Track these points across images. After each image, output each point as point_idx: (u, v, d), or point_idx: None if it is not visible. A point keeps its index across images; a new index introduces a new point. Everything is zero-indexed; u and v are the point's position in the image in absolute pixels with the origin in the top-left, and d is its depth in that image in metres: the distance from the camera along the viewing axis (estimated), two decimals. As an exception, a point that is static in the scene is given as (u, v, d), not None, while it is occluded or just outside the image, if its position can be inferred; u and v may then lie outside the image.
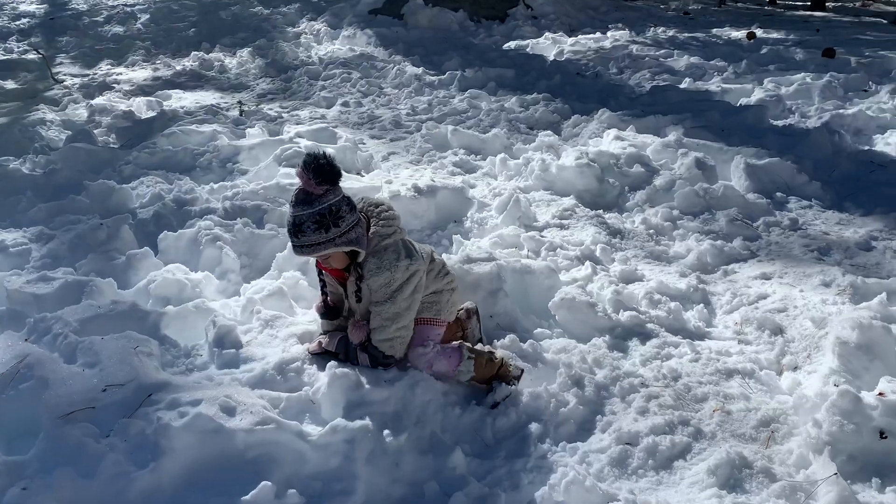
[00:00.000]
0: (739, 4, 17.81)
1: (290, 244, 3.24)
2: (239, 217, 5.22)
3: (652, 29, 14.31)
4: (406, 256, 3.23)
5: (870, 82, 9.45)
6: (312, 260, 3.77)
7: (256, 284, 4.42)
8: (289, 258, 4.64)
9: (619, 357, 3.77)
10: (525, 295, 4.30)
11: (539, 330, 4.03)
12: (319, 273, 3.51)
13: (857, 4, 17.89)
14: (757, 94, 8.67)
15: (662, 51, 11.92)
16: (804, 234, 5.12)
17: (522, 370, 3.50)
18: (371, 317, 3.31)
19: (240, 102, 9.64)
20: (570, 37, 13.42)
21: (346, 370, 3.25)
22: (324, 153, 3.01)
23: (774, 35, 13.53)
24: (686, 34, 13.66)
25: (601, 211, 5.55)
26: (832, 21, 15.27)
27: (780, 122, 7.71)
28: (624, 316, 4.03)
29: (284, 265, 4.62)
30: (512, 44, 13.12)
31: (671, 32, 13.93)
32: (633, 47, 12.25)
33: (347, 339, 3.39)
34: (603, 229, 5.20)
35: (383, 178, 6.11)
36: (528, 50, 12.57)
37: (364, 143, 7.70)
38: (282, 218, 5.43)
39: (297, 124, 8.11)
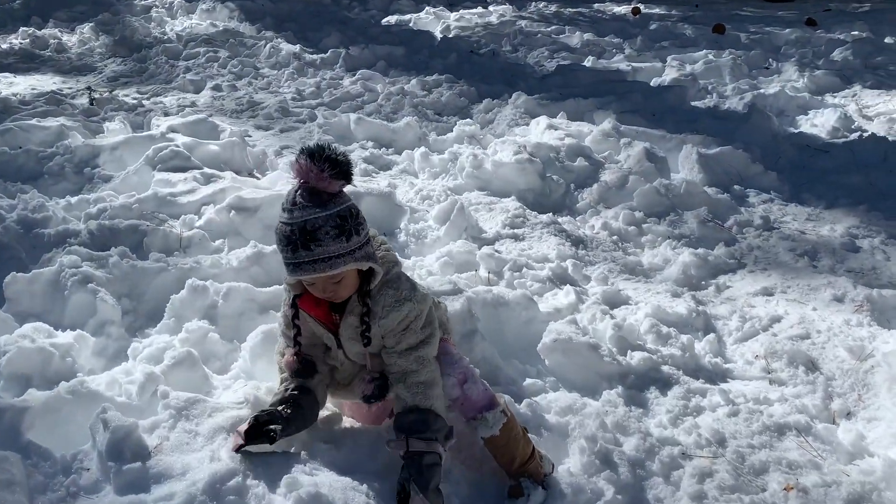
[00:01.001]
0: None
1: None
2: (112, 245, 4.03)
3: (533, 3, 13.72)
4: (416, 289, 2.57)
5: (769, 59, 9.25)
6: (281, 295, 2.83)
7: (150, 341, 3.33)
8: (189, 301, 3.55)
9: (641, 415, 3.02)
10: (500, 333, 3.46)
11: (529, 381, 3.21)
12: (293, 316, 2.58)
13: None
14: (669, 74, 8.22)
15: (553, 27, 11.33)
16: (781, 234, 4.58)
17: (553, 465, 2.66)
18: (400, 374, 2.51)
19: (89, 88, 8.15)
20: (451, 11, 12.59)
21: (313, 488, 2.29)
22: (327, 144, 2.31)
23: (657, 10, 13.30)
24: (570, 9, 13.17)
25: (551, 214, 4.78)
26: (702, 1, 15.32)
27: (701, 104, 7.26)
28: (634, 358, 3.28)
29: (183, 311, 3.53)
30: (392, 18, 12.14)
31: (553, 7, 13.39)
32: (522, 23, 11.60)
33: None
34: (563, 238, 4.44)
35: (288, 181, 5.04)
36: (411, 25, 11.64)
37: (251, 136, 6.55)
38: (167, 242, 4.30)
39: (166, 115, 6.82)
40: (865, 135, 6.19)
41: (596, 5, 13.88)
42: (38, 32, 10.91)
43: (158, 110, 7.24)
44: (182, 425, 2.62)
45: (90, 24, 11.35)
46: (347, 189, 2.37)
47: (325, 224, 2.22)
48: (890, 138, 6.04)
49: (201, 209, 4.73)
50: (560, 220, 4.72)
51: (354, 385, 2.68)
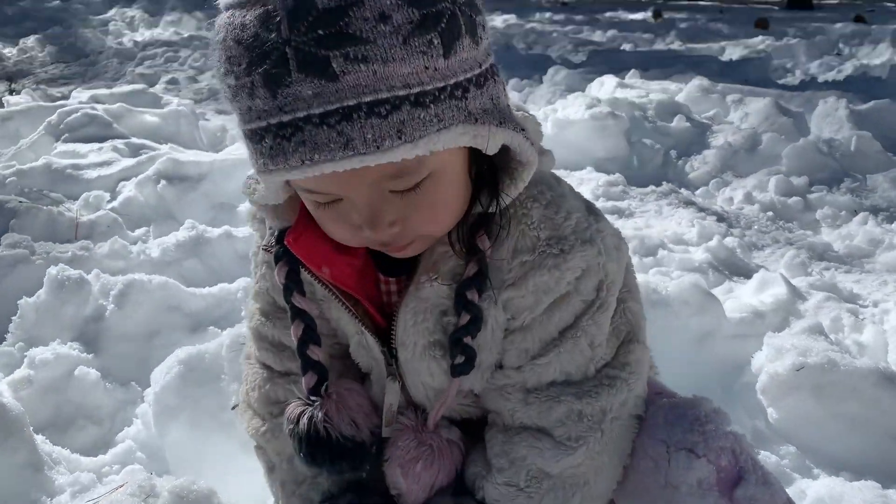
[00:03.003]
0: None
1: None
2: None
3: (537, 14, 12.34)
4: (599, 217, 0.98)
5: (839, 44, 7.79)
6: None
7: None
8: (50, 307, 1.82)
9: None
10: (660, 358, 1.75)
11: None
12: (288, 283, 0.97)
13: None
14: (735, 52, 6.67)
15: (569, 27, 9.90)
16: None
17: None
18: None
19: (9, 80, 6.48)
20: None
21: None
22: None
23: (678, 15, 11.94)
24: (581, 16, 11.77)
25: (655, 185, 3.10)
26: (724, 7, 14.06)
27: (787, 80, 5.70)
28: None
29: (39, 326, 1.80)
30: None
31: (560, 16, 12.01)
32: (532, 25, 10.18)
33: None
34: (696, 212, 2.76)
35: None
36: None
37: (208, 119, 4.87)
38: (54, 229, 2.59)
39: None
40: None
41: (608, 13, 12.51)
42: (-29, 44, 9.37)
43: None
44: None
45: (36, 36, 9.84)
46: None
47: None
48: None
49: (118, 186, 3.02)
50: (681, 191, 3.04)
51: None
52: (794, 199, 2.95)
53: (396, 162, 0.77)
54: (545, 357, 0.96)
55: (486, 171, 0.90)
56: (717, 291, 2.12)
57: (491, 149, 0.85)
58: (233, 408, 1.47)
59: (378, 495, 1.04)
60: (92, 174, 3.10)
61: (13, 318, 1.87)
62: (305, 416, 0.97)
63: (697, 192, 3.17)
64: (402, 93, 0.75)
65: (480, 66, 0.83)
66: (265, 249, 1.01)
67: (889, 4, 13.41)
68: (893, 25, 9.21)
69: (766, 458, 1.55)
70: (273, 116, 0.76)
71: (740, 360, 1.80)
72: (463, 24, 0.79)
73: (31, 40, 9.83)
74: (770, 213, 2.89)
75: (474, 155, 0.88)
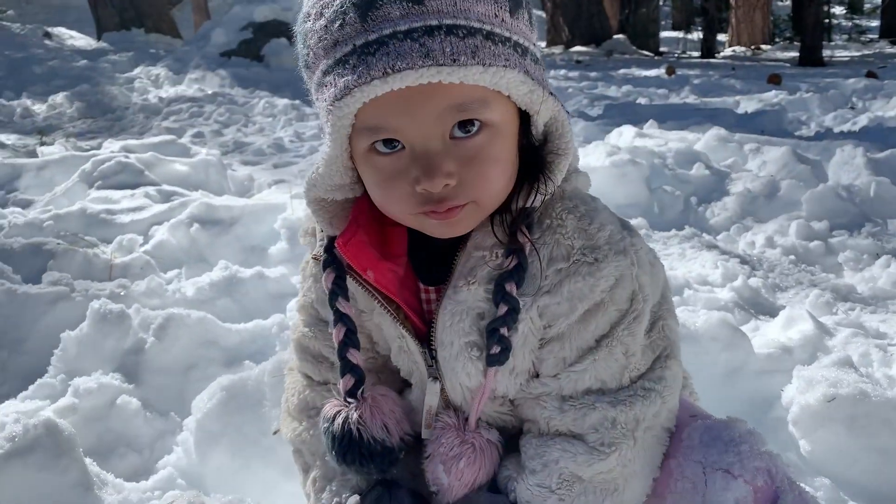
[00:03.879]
0: (626, 56, 16.72)
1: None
2: (-8, 263, 2.40)
3: (552, 72, 12.58)
4: (633, 233, 1.05)
5: (853, 98, 7.88)
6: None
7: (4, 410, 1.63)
8: (92, 340, 1.87)
9: None
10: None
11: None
12: (335, 285, 1.06)
13: (748, 53, 17.31)
14: (750, 105, 6.77)
15: (585, 83, 10.09)
16: None
17: None
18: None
19: (40, 133, 6.66)
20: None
21: None
22: None
23: (692, 72, 12.13)
24: (595, 73, 11.98)
25: (677, 230, 3.14)
26: (736, 64, 14.28)
27: (802, 132, 5.77)
28: None
29: (80, 358, 1.85)
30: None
31: (575, 73, 12.23)
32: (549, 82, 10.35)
33: None
34: (718, 254, 2.79)
35: (287, 192, 3.43)
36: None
37: (235, 170, 4.99)
38: (89, 270, 2.66)
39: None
40: None
41: (622, 71, 12.74)
42: (4, 102, 9.63)
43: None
44: None
45: (64, 93, 10.14)
46: None
47: None
48: None
49: (150, 230, 3.10)
50: (703, 235, 3.08)
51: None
52: (816, 242, 2.98)
53: (466, 89, 0.86)
54: (581, 364, 1.00)
55: (532, 149, 0.97)
56: (744, 329, 2.15)
57: (542, 115, 0.94)
58: (274, 433, 1.50)
59: (407, 491, 1.07)
60: (125, 219, 3.18)
61: (55, 351, 1.92)
62: (340, 417, 1.03)
63: (719, 236, 3.21)
64: (476, 24, 0.85)
65: (534, 46, 0.95)
66: (314, 258, 1.09)
67: (900, 61, 13.57)
68: (905, 81, 9.33)
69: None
70: (360, 37, 0.85)
71: (770, 394, 1.81)
72: (524, 3, 0.93)
73: (59, 97, 10.13)
74: (792, 257, 2.92)
75: (523, 130, 0.96)
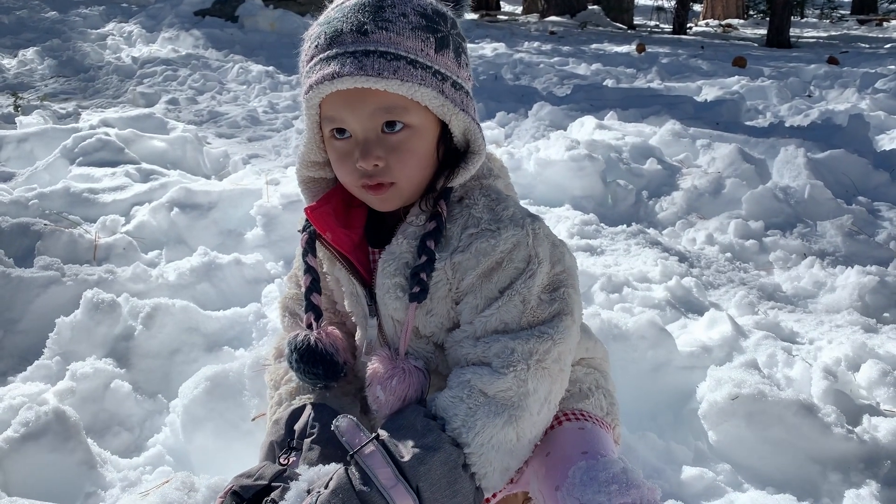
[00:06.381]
0: (600, 28, 16.83)
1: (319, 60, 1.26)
2: (-21, 245, 2.57)
3: (525, 43, 12.70)
4: (537, 220, 1.35)
5: (811, 85, 8.16)
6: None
7: (4, 393, 1.83)
8: (85, 326, 2.07)
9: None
10: (618, 386, 2.02)
11: (688, 473, 1.78)
12: (306, 249, 1.44)
13: (719, 31, 17.50)
14: (709, 94, 7.02)
15: (556, 58, 10.24)
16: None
17: None
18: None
19: (14, 95, 6.69)
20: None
21: None
22: None
23: (661, 50, 12.33)
24: (568, 47, 12.13)
25: (627, 226, 3.39)
26: (705, 42, 14.48)
27: (763, 120, 6.04)
28: (879, 430, 1.86)
29: (74, 343, 2.05)
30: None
31: (548, 46, 12.35)
32: (520, 55, 10.50)
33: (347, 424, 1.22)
34: (660, 252, 3.05)
35: (262, 176, 3.61)
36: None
37: (210, 143, 5.13)
38: (75, 251, 2.84)
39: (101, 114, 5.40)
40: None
41: (593, 45, 12.89)
42: (-29, 55, 9.55)
43: (96, 116, 5.79)
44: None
45: (35, 48, 10.03)
46: None
47: (404, 6, 1.24)
48: None
49: (132, 210, 3.28)
50: (649, 231, 3.33)
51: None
52: (751, 241, 3.25)
53: (390, 97, 1.19)
54: (489, 310, 1.27)
55: (450, 152, 1.30)
56: (672, 327, 2.41)
57: (455, 125, 1.26)
58: (253, 419, 1.73)
59: (332, 410, 1.35)
60: (107, 198, 3.35)
61: (50, 334, 2.12)
62: (302, 334, 1.37)
63: (665, 231, 3.47)
64: (402, 53, 1.20)
65: (458, 78, 1.27)
66: (299, 231, 1.42)
67: (863, 45, 13.88)
68: (863, 69, 9.63)
69: (704, 473, 1.82)
70: (323, 53, 1.22)
71: (688, 389, 2.08)
72: (451, 42, 1.26)
73: (30, 52, 10.03)
74: (728, 255, 3.19)
75: (443, 138, 1.28)
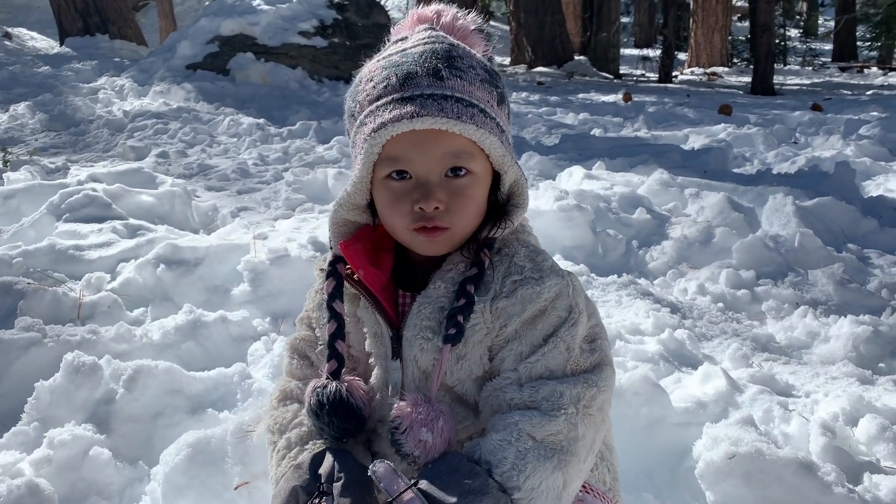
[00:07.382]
0: (587, 78, 17.08)
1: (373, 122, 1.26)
2: (-41, 306, 2.52)
3: (514, 94, 12.85)
4: (573, 273, 1.39)
5: (797, 132, 8.26)
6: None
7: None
8: (65, 391, 2.02)
9: None
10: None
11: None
12: (333, 293, 1.41)
13: (704, 79, 17.79)
14: (696, 142, 7.08)
15: (544, 108, 10.36)
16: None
17: None
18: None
19: (3, 150, 6.69)
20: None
21: None
22: None
23: (648, 98, 12.49)
24: (555, 97, 12.28)
25: (618, 276, 3.37)
26: (691, 91, 14.69)
27: (751, 168, 6.08)
28: (881, 488, 1.81)
29: (54, 408, 1.99)
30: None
31: (536, 97, 12.51)
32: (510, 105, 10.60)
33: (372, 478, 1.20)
34: (652, 303, 3.03)
35: (250, 230, 3.58)
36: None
37: (199, 196, 5.12)
38: (59, 310, 2.80)
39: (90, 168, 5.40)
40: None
41: (580, 95, 13.06)
42: (-40, 112, 9.58)
43: (85, 171, 5.78)
44: None
45: (26, 103, 10.10)
46: None
47: (471, 59, 1.30)
48: None
49: (118, 267, 3.24)
50: (640, 281, 3.31)
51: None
52: (743, 291, 3.23)
53: (462, 142, 1.22)
54: (534, 356, 1.26)
55: (498, 202, 1.33)
56: (666, 381, 2.37)
57: (509, 175, 1.29)
58: (235, 488, 1.68)
59: (352, 456, 1.29)
60: (93, 255, 3.31)
61: (29, 399, 2.06)
62: (332, 384, 1.31)
63: (656, 281, 3.45)
64: (475, 101, 1.23)
65: (508, 132, 1.33)
66: (321, 270, 1.41)
67: (845, 92, 14.12)
68: (847, 115, 9.77)
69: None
70: (397, 94, 1.22)
71: (684, 447, 2.03)
72: (506, 99, 1.33)
73: (21, 107, 10.09)
74: (721, 304, 3.17)
75: (493, 187, 1.31)
